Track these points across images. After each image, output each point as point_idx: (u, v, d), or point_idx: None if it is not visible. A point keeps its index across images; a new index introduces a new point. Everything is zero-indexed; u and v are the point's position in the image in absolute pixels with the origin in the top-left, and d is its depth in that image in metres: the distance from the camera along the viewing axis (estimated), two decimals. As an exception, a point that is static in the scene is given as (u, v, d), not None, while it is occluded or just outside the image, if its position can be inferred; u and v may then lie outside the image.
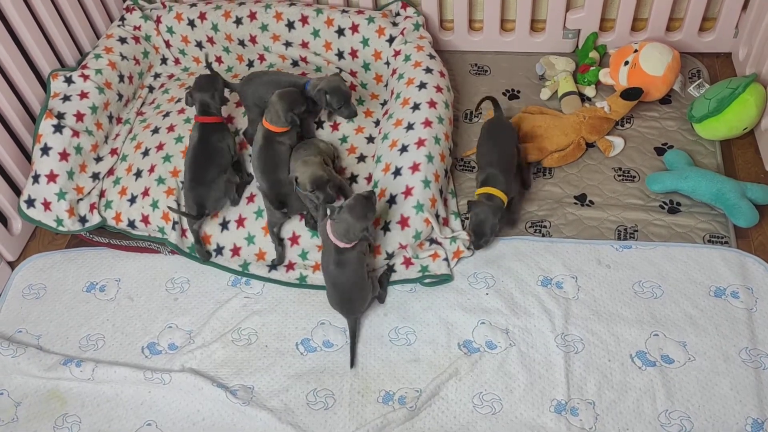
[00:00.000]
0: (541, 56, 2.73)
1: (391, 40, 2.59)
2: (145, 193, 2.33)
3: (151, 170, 2.36)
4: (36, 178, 2.32)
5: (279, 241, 2.22)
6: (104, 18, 2.76)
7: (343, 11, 2.60)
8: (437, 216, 2.22)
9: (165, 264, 2.32)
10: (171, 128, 2.45)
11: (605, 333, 2.03)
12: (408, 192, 2.18)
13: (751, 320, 2.02)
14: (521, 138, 2.43)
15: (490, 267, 2.20)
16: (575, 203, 2.34)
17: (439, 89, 2.43)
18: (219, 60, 2.78)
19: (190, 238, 2.27)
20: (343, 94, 2.25)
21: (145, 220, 2.31)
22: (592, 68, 2.63)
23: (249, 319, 2.15)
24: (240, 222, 2.26)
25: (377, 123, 2.46)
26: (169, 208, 2.22)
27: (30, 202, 2.33)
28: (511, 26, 2.80)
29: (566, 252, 2.22)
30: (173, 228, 2.27)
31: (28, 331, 2.20)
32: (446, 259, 2.20)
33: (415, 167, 2.21)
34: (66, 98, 2.43)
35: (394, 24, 2.63)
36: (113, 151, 2.49)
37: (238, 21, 2.65)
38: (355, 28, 2.59)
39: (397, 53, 2.57)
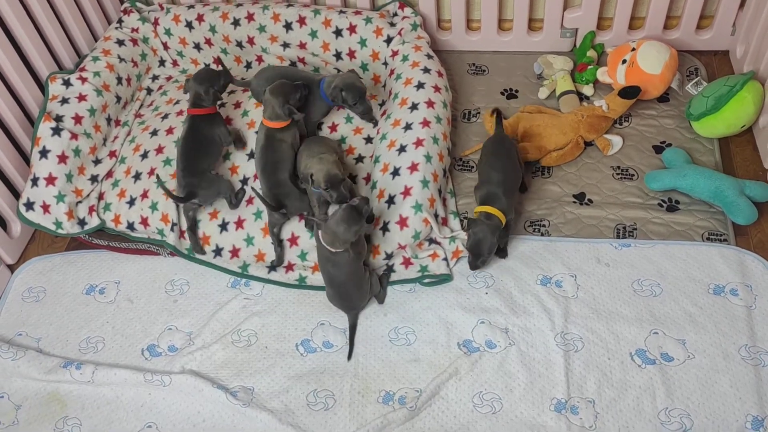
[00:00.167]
0: (538, 55, 2.73)
1: (388, 40, 2.59)
2: (144, 195, 2.33)
3: (150, 172, 2.36)
4: (35, 181, 2.32)
5: (278, 242, 2.22)
6: (102, 20, 2.77)
7: (341, 12, 2.60)
8: (436, 216, 2.22)
9: (164, 266, 2.32)
10: (170, 130, 2.46)
11: (605, 331, 2.03)
12: (406, 192, 2.18)
13: (750, 317, 2.02)
14: (520, 137, 2.43)
15: (489, 266, 2.19)
16: (574, 202, 2.34)
17: (437, 89, 2.43)
18: (217, 61, 2.77)
19: (189, 239, 2.28)
20: (358, 90, 2.26)
21: (144, 222, 2.31)
22: (589, 67, 2.63)
23: (249, 320, 2.15)
24: (239, 223, 2.27)
25: (375, 123, 2.46)
26: (158, 180, 2.24)
27: (29, 205, 2.33)
28: (508, 26, 2.80)
29: (565, 251, 2.22)
30: (172, 229, 2.27)
31: (28, 334, 2.20)
32: (445, 259, 2.20)
33: (413, 167, 2.21)
34: (64, 101, 2.43)
35: (392, 24, 2.63)
36: (112, 154, 2.49)
37: (236, 22, 2.65)
38: (352, 29, 2.59)
39: (394, 53, 2.57)
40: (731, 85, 2.34)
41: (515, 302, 2.12)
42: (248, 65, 2.75)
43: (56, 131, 2.34)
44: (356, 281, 2.02)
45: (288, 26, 2.62)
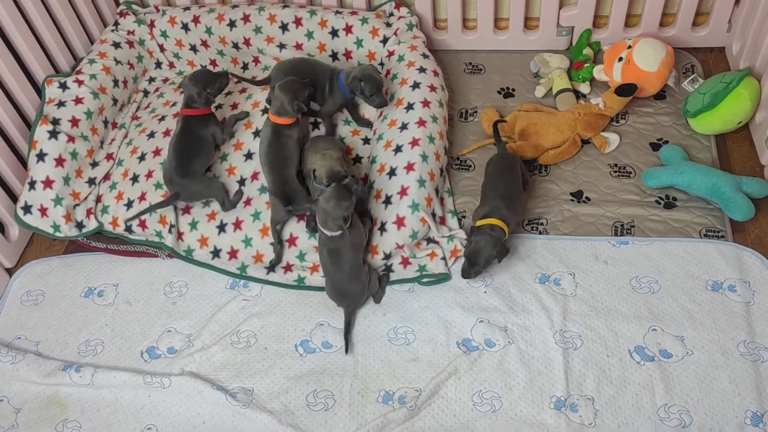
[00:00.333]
0: (535, 54, 2.73)
1: (384, 40, 2.59)
2: (142, 197, 2.33)
3: (148, 175, 2.36)
4: (32, 185, 2.32)
5: (279, 240, 2.22)
6: (98, 23, 2.76)
7: (337, 12, 2.60)
8: (434, 215, 2.22)
9: (163, 268, 2.32)
10: (167, 132, 2.46)
11: (603, 329, 2.03)
12: (403, 192, 2.18)
13: (748, 313, 2.02)
14: (517, 136, 2.43)
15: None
16: (572, 200, 2.35)
17: (432, 88, 2.43)
18: (213, 63, 2.78)
19: (187, 241, 2.28)
20: (376, 81, 2.28)
21: (142, 224, 2.31)
22: (586, 65, 2.63)
23: (248, 321, 2.15)
24: (237, 225, 2.26)
25: (370, 126, 2.46)
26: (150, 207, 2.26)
27: (27, 209, 2.33)
28: (504, 24, 2.80)
29: (563, 249, 2.22)
30: (170, 231, 2.27)
31: (26, 337, 2.20)
32: (444, 258, 2.20)
33: (409, 167, 2.21)
34: (61, 104, 2.43)
35: (388, 24, 2.63)
36: (109, 156, 2.49)
37: (232, 24, 2.65)
38: (348, 29, 2.58)
39: (390, 54, 2.57)
40: (727, 82, 2.34)
41: (514, 301, 2.12)
42: (245, 66, 2.75)
43: (53, 134, 2.34)
44: (354, 272, 2.04)
45: (284, 27, 2.62)
